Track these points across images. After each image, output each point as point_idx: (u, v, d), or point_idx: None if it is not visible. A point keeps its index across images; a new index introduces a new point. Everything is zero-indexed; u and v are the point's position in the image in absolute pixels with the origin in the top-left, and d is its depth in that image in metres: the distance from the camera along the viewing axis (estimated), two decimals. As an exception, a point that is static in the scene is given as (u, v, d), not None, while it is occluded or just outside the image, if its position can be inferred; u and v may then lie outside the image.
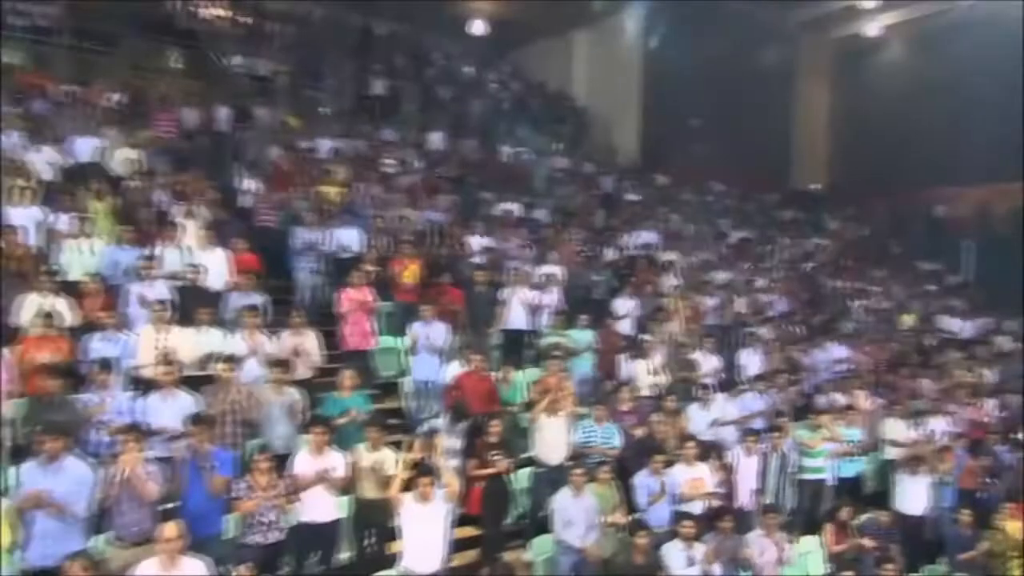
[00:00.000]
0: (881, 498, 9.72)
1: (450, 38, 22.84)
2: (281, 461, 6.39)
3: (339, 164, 13.51)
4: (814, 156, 26.67)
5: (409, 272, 10.38)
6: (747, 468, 8.39)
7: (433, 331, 9.06)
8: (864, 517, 8.81)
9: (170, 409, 6.66)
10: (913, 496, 9.14)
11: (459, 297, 10.16)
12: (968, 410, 11.82)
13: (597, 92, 23.06)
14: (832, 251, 19.30)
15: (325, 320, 9.52)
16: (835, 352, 12.30)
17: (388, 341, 9.75)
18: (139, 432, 5.86)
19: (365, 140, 15.51)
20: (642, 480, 7.47)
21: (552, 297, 10.90)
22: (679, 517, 7.46)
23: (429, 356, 8.95)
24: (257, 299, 8.71)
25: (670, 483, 7.54)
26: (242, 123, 14.62)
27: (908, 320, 15.66)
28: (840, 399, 10.73)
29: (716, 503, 7.88)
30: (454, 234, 12.29)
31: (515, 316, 10.34)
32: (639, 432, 8.44)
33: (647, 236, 14.96)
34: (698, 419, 9.08)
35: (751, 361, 11.07)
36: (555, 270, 11.60)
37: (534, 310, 10.46)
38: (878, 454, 10.28)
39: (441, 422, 7.29)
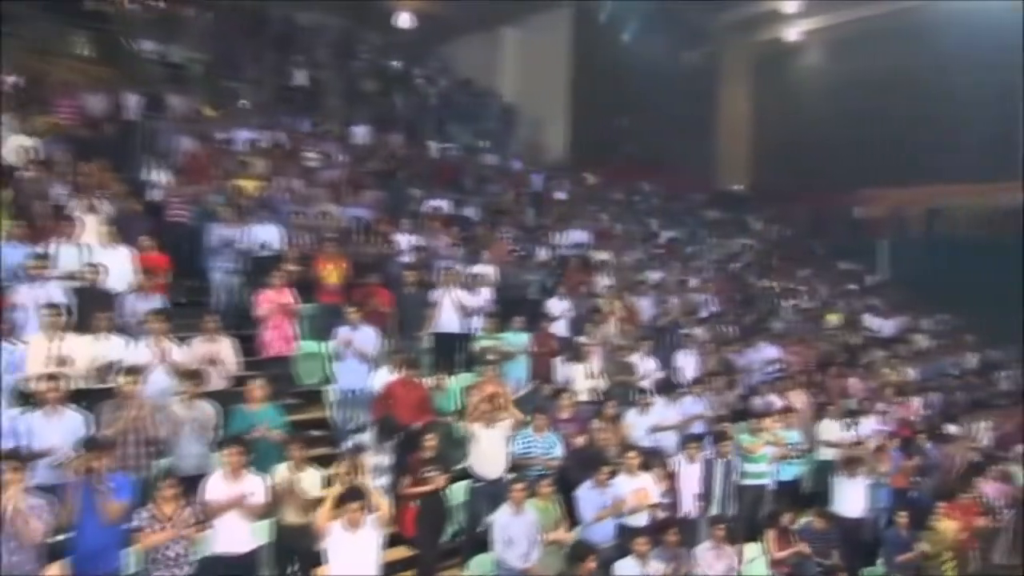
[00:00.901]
0: (815, 499, 9.56)
1: (376, 31, 22.02)
2: (192, 485, 5.65)
3: (258, 156, 12.62)
4: (737, 157, 26.88)
5: (333, 272, 9.63)
6: (690, 476, 8.01)
7: (359, 335, 8.35)
8: (804, 521, 8.60)
9: (56, 429, 5.80)
10: (851, 498, 8.95)
11: (387, 299, 9.48)
12: (896, 408, 11.83)
13: (525, 89, 22.61)
14: (758, 251, 19.33)
15: (242, 324, 8.74)
16: (767, 352, 12.13)
17: (311, 346, 9.00)
18: (19, 459, 5.03)
19: (286, 132, 14.61)
20: (585, 493, 6.97)
21: (485, 298, 10.36)
22: (624, 532, 7.03)
23: (355, 362, 8.22)
24: (164, 302, 7.86)
25: (614, 495, 7.06)
26: (153, 112, 13.56)
27: (834, 319, 15.72)
28: (776, 401, 10.53)
29: (661, 514, 7.47)
30: (381, 232, 11.59)
31: (447, 318, 9.71)
32: (579, 441, 7.97)
33: (578, 235, 14.57)
34: (637, 425, 8.66)
35: (687, 363, 10.77)
36: (488, 270, 11.06)
37: (467, 312, 9.87)
38: (813, 455, 10.08)
39: (369, 436, 6.62)
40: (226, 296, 9.45)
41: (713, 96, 26.34)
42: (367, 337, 8.38)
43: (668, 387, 9.56)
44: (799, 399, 10.71)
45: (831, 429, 10.19)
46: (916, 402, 12.34)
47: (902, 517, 8.60)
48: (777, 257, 19.43)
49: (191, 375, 6.54)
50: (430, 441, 6.70)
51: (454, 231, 12.43)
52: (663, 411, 9.08)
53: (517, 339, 9.68)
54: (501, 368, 8.77)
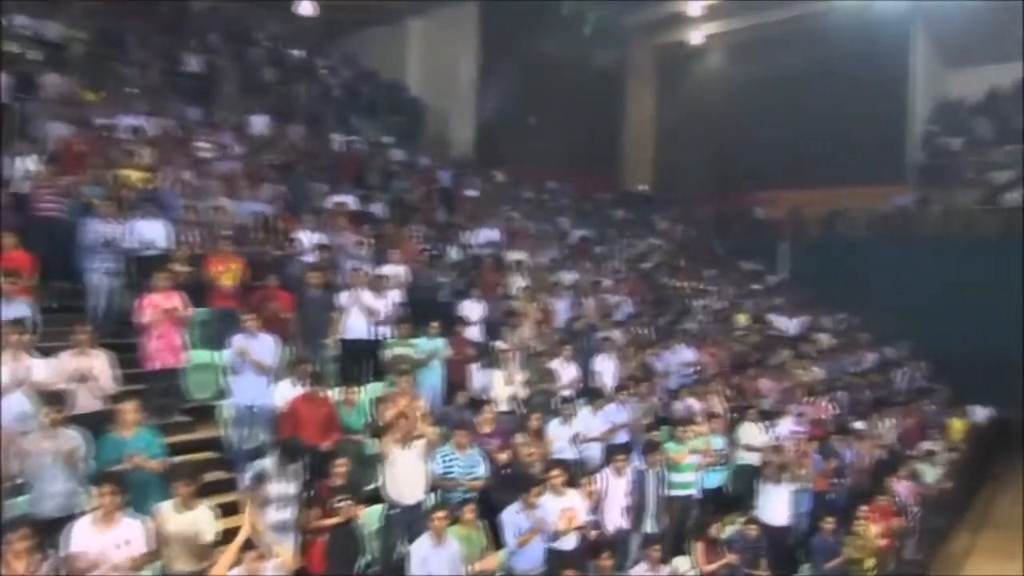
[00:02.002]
0: (736, 504, 9.24)
1: (276, 19, 20.72)
2: (54, 530, 4.67)
3: (144, 145, 11.37)
4: (642, 157, 26.82)
5: (228, 273, 8.59)
6: (618, 491, 7.45)
7: (257, 344, 7.36)
8: (731, 530, 8.24)
9: None
10: (777, 506, 8.64)
11: (288, 303, 8.51)
12: (809, 408, 11.71)
13: (432, 84, 21.82)
14: (666, 251, 19.15)
15: (123, 333, 7.67)
16: (684, 355, 11.79)
17: (203, 356, 7.98)
18: None
19: (176, 120, 13.33)
20: (512, 517, 6.29)
21: (396, 301, 9.55)
22: (553, 556, 6.41)
23: (253, 375, 7.23)
24: (25, 310, 6.72)
25: (542, 518, 6.41)
26: (25, 93, 12.07)
27: (743, 319, 15.62)
28: (696, 405, 10.17)
29: (590, 534, 6.89)
30: (281, 229, 10.58)
31: (355, 324, 8.83)
32: (503, 457, 7.29)
33: (490, 234, 13.91)
34: (561, 436, 8.05)
35: (606, 368, 10.23)
36: (398, 270, 10.24)
37: (376, 316, 9.03)
38: (734, 460, 9.75)
39: (270, 462, 5.74)
40: (104, 301, 8.27)
41: (620, 96, 26.18)
42: (266, 346, 7.42)
43: (592, 394, 9.01)
44: (718, 402, 10.40)
45: (751, 432, 9.89)
46: (826, 402, 12.28)
47: (828, 523, 8.35)
48: (683, 257, 19.31)
49: (54, 399, 5.47)
50: (341, 467, 5.88)
51: (361, 229, 11.52)
52: (587, 420, 8.52)
53: (431, 345, 8.91)
54: (415, 377, 8.02)
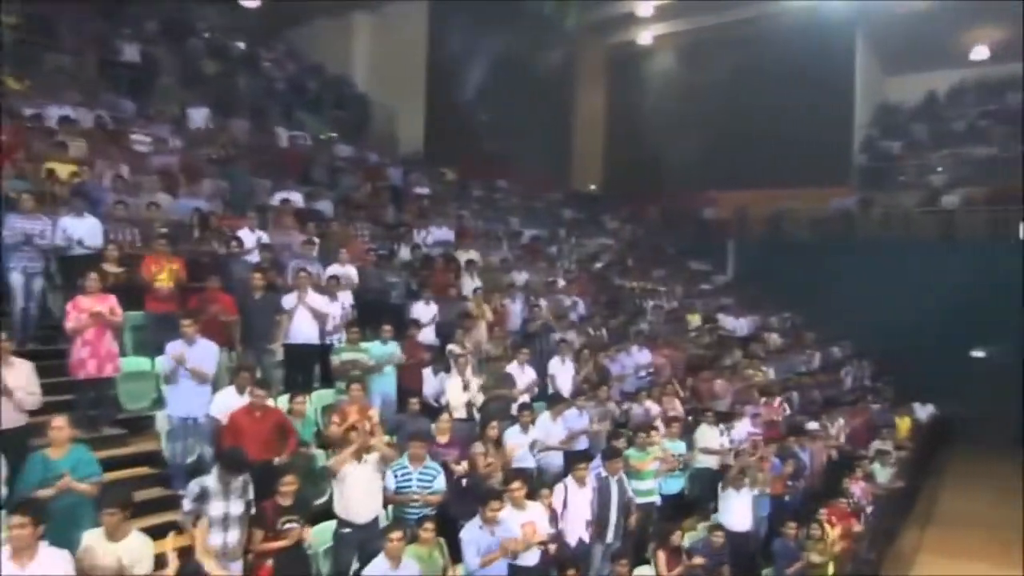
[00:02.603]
0: (695, 508, 9.04)
1: (217, 9, 19.85)
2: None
3: (74, 137, 10.63)
4: (591, 157, 26.65)
5: (165, 275, 7.97)
6: (580, 502, 7.10)
7: (196, 351, 6.79)
8: (692, 537, 8.01)
9: None
10: (739, 511, 8.44)
11: (230, 305, 7.95)
12: (763, 410, 11.60)
13: (380, 79, 21.21)
14: (616, 251, 18.95)
15: (50, 339, 7.04)
16: (640, 357, 11.54)
17: (137, 364, 7.39)
18: None
19: (109, 111, 12.54)
20: (472, 535, 5.88)
21: (345, 303, 9.06)
22: (514, 572, 6.04)
23: (192, 384, 6.67)
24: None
25: (503, 534, 6.01)
26: (-60, 81, 11.22)
27: (694, 320, 15.49)
28: (654, 408, 9.92)
29: (552, 548, 6.53)
30: (223, 227, 9.99)
31: (301, 328, 8.32)
32: (461, 468, 6.88)
33: (441, 233, 13.45)
34: (519, 444, 7.67)
35: (562, 371, 9.91)
36: (347, 271, 9.74)
37: (324, 320, 8.53)
38: (691, 463, 9.52)
39: (212, 481, 5.22)
40: (27, 304, 7.60)
41: (569, 95, 25.96)
42: (206, 353, 6.85)
43: (552, 399, 8.66)
44: (677, 405, 10.17)
45: (708, 435, 9.69)
46: (779, 402, 12.20)
47: (791, 528, 8.19)
48: (633, 257, 19.14)
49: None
50: (288, 485, 5.39)
51: (307, 227, 10.96)
52: (547, 427, 8.17)
53: (383, 350, 8.45)
54: (366, 384, 7.56)
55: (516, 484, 6.29)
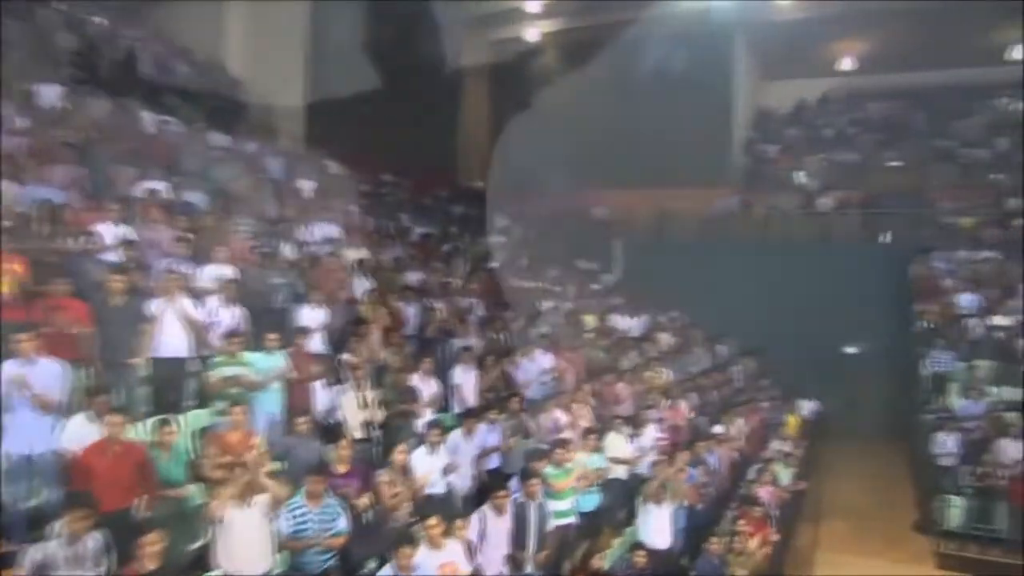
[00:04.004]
0: (608, 522, 8.38)
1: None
2: None
3: None
4: (479, 153, 25.81)
5: (5, 277, 6.53)
6: (499, 533, 6.25)
7: (38, 372, 5.44)
8: (612, 556, 7.32)
9: None
10: (659, 527, 7.84)
11: (83, 314, 6.56)
12: (668, 414, 11.13)
13: (256, 67, 19.52)
14: (508, 250, 18.20)
15: None
16: (542, 362, 10.78)
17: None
18: None
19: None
20: (384, 585, 4.91)
21: (224, 309, 7.80)
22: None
23: (32, 412, 5.33)
24: None
25: (419, 578, 5.07)
26: None
27: (590, 321, 14.92)
28: (563, 418, 9.18)
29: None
30: (77, 220, 8.44)
31: (170, 339, 7.02)
32: (364, 502, 5.86)
33: (327, 229, 12.26)
34: (429, 468, 6.72)
35: (466, 380, 9.00)
36: (224, 271, 8.44)
37: (198, 329, 7.26)
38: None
39: (57, 547, 4.01)
40: None
41: (456, 90, 25.06)
42: (49, 374, 5.51)
43: (462, 414, 7.74)
44: (587, 413, 9.49)
45: (616, 443, 9.07)
46: (683, 405, 11.78)
47: (714, 543, 7.65)
48: (525, 257, 18.46)
49: None
50: (152, 544, 4.23)
51: (176, 221, 9.53)
52: (458, 445, 7.25)
53: (268, 362, 7.27)
54: (248, 404, 6.41)
55: (432, 521, 5.35)
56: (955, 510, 11.16)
